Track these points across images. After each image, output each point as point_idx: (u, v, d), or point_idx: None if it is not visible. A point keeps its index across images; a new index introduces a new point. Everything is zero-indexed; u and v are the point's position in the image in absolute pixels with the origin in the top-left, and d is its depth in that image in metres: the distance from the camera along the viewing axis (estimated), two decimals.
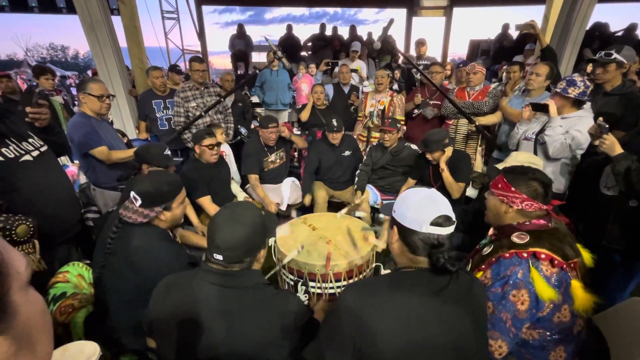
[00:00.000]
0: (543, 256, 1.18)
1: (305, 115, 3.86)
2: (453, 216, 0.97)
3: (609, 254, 1.83)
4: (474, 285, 0.99)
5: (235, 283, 1.02)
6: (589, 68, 4.39)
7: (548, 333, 1.21)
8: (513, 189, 1.29)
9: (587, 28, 6.91)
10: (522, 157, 1.95)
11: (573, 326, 1.22)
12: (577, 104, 2.16)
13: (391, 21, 2.92)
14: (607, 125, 1.71)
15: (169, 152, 2.09)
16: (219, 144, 2.52)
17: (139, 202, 1.34)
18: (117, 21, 3.84)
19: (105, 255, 1.36)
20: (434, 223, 0.94)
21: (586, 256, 1.30)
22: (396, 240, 1.04)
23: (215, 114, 3.36)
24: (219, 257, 1.01)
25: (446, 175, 2.30)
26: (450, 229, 0.96)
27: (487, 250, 1.33)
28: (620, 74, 2.33)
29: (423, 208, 0.97)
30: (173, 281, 1.09)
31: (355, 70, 5.14)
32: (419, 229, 0.96)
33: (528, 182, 1.28)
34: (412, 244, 0.98)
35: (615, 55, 2.22)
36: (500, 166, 1.89)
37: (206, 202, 2.43)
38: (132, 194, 1.35)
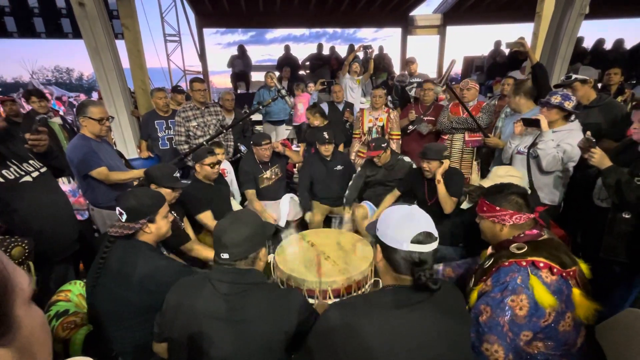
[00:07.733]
0: (542, 264, 1.21)
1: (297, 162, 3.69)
2: (435, 232, 0.99)
3: (609, 266, 1.84)
4: (449, 295, 1.02)
5: (242, 279, 1.12)
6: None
7: (554, 344, 1.21)
8: (498, 208, 1.35)
9: (584, 44, 7.16)
10: (501, 172, 2.03)
11: (577, 337, 1.22)
12: (567, 117, 2.23)
13: (452, 62, 2.99)
14: (594, 140, 1.76)
15: (178, 175, 2.12)
16: (219, 162, 2.56)
17: (125, 216, 1.40)
18: (120, 44, 3.94)
19: (96, 275, 1.38)
20: (415, 241, 0.95)
21: (583, 266, 1.32)
22: (380, 259, 1.05)
23: (216, 132, 3.43)
24: (226, 255, 1.12)
25: (441, 187, 2.31)
26: (432, 246, 0.97)
27: (487, 263, 1.37)
28: (591, 88, 2.62)
29: (403, 226, 0.98)
30: (181, 292, 1.16)
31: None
32: (399, 247, 0.97)
33: (508, 198, 1.35)
34: (394, 262, 0.99)
35: (574, 76, 2.60)
36: (484, 183, 1.97)
37: (207, 217, 2.45)
38: (118, 209, 1.42)
